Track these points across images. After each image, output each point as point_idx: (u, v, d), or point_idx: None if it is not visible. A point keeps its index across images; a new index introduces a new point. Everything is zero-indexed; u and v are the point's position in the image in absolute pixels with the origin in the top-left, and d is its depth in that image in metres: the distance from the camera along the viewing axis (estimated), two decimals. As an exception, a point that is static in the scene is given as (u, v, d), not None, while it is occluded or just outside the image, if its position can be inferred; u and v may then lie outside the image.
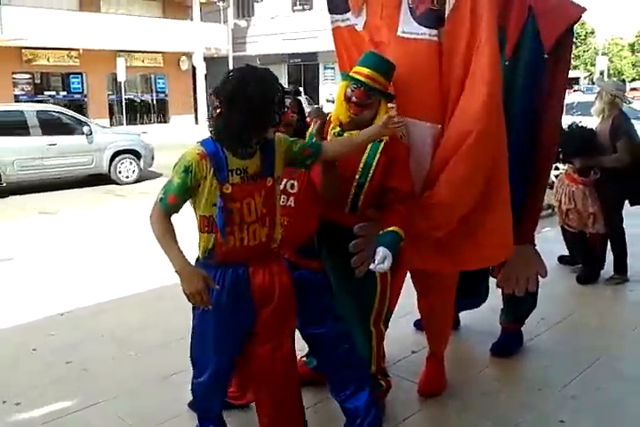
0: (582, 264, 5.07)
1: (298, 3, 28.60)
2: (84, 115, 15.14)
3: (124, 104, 21.90)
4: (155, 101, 25.35)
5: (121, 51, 22.08)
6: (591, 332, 4.01)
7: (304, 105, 2.89)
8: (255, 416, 2.55)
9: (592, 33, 45.34)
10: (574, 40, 3.70)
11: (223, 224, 2.22)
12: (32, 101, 18.42)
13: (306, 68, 29.67)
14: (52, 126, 10.54)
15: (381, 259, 2.47)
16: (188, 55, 24.78)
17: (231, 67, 23.89)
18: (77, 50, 21.83)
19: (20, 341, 3.90)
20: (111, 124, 21.43)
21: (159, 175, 11.48)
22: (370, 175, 2.65)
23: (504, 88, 2.72)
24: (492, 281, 3.67)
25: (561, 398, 3.17)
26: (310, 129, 2.72)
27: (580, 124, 4.79)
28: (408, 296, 3.25)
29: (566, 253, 5.33)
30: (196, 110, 25.34)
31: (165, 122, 25.17)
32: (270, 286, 2.35)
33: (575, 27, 3.20)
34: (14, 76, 21.12)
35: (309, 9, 27.60)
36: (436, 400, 3.14)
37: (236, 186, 2.23)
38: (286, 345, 2.45)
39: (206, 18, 25.10)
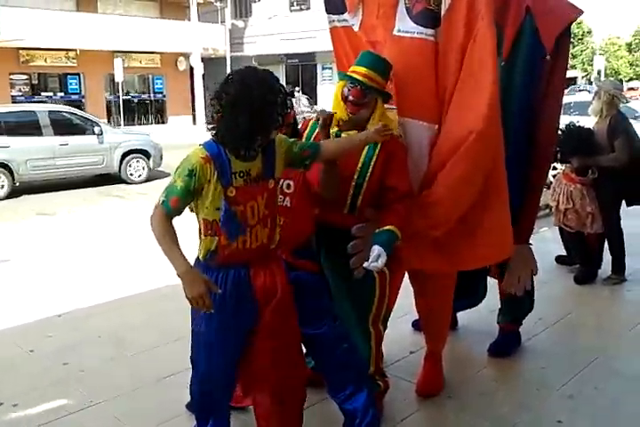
0: (580, 264, 5.06)
1: (295, 3, 28.61)
2: (82, 115, 15.14)
3: (121, 105, 21.83)
4: (152, 102, 25.33)
5: (118, 51, 22.05)
6: (589, 332, 4.01)
7: (305, 104, 2.88)
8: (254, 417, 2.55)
9: (589, 32, 45.36)
10: (571, 40, 3.70)
11: (228, 228, 2.21)
12: (29, 102, 18.37)
13: (303, 69, 29.68)
14: (63, 126, 10.65)
15: (375, 257, 2.47)
16: (186, 55, 24.76)
17: (229, 67, 23.94)
18: (75, 50, 21.80)
19: (17, 342, 3.89)
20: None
21: (167, 175, 11.48)
22: (368, 175, 2.65)
23: (501, 87, 2.72)
24: (490, 280, 3.68)
25: (558, 397, 3.17)
26: (307, 130, 2.71)
27: (577, 124, 4.79)
28: (406, 297, 3.25)
29: (563, 252, 5.32)
30: (193, 111, 25.30)
31: (163, 122, 25.13)
32: (272, 285, 2.35)
33: (572, 26, 3.20)
34: (11, 77, 21.09)
35: (307, 9, 27.60)
36: (434, 401, 3.14)
37: (240, 189, 2.22)
38: (293, 348, 2.44)
39: (204, 18, 25.07)
